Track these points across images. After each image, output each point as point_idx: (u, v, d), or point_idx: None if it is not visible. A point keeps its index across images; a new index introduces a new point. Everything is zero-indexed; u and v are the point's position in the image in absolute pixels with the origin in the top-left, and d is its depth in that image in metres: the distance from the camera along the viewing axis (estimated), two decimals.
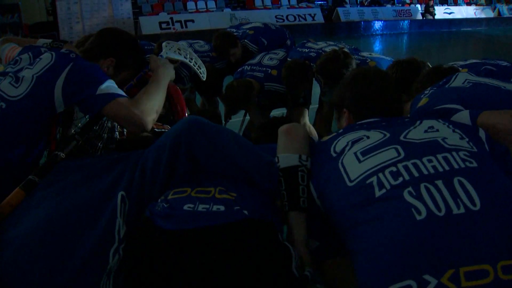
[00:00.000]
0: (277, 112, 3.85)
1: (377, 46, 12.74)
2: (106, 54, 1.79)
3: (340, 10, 16.52)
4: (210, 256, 1.12)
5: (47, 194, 1.37)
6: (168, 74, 1.84)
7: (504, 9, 19.59)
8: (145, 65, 1.88)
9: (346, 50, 2.91)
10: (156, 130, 1.98)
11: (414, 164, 1.13)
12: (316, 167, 1.37)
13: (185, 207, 1.25)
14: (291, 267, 1.15)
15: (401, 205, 1.06)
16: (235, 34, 3.78)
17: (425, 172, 1.11)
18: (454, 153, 1.14)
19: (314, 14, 16.16)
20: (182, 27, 14.15)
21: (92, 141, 1.77)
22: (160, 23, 13.91)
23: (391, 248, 1.01)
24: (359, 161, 1.22)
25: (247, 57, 3.72)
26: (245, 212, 1.24)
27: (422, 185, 1.07)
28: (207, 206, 1.25)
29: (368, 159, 1.21)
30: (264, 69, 3.29)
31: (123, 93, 1.66)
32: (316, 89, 3.45)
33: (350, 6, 17.48)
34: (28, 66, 1.63)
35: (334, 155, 1.31)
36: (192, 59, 2.08)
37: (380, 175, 1.15)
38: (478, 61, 2.46)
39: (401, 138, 1.24)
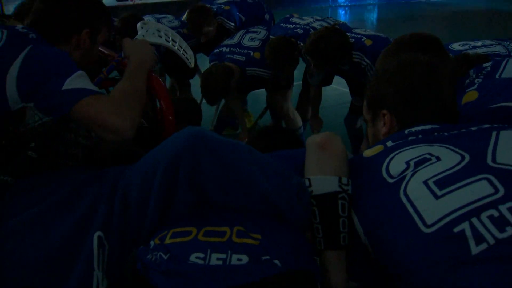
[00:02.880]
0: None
1: (344, 17, 12.39)
2: (79, 27, 1.39)
3: None
4: None
5: None
6: (147, 62, 1.44)
7: None
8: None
9: (338, 27, 2.55)
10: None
11: None
12: (361, 193, 1.04)
13: (193, 258, 0.91)
14: None
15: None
16: None
17: None
18: None
19: None
20: None
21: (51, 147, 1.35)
22: None
23: None
24: (436, 197, 0.89)
25: (222, 34, 3.30)
26: (277, 262, 0.91)
27: None
28: (223, 255, 0.92)
29: (450, 195, 0.88)
30: (246, 51, 2.89)
31: (97, 89, 1.27)
32: (298, 69, 3.09)
33: None
34: None
35: (390, 180, 0.99)
36: (175, 42, 1.67)
37: (475, 220, 0.82)
38: (495, 42, 2.13)
39: (490, 163, 0.92)
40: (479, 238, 0.80)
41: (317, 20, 2.93)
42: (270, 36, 2.94)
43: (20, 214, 1.02)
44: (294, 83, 3.33)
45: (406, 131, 1.11)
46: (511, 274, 0.75)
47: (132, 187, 1.05)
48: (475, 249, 0.80)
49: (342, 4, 14.62)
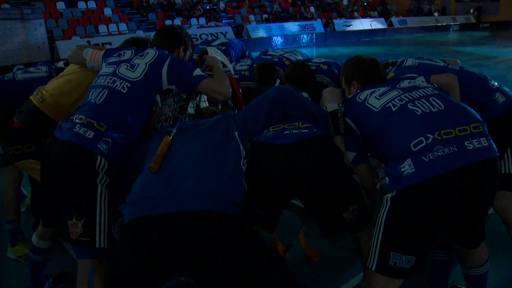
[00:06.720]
0: None
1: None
2: (179, 44, 2.59)
3: (249, 27, 17.85)
4: (309, 151, 2.01)
5: (187, 138, 2.04)
6: (221, 66, 2.57)
7: (395, 20, 22.37)
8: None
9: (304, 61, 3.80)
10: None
11: (409, 94, 2.05)
12: (349, 109, 2.23)
13: (285, 132, 2.07)
14: (344, 158, 2.11)
15: (407, 112, 1.96)
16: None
17: (416, 97, 2.03)
18: (427, 89, 2.08)
19: (226, 32, 17.29)
20: None
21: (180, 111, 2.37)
22: None
23: (408, 128, 1.90)
24: (379, 100, 2.12)
25: None
26: (318, 132, 2.08)
27: (416, 101, 1.99)
28: (298, 131, 2.08)
29: (383, 97, 2.12)
30: (238, 72, 4.20)
31: (208, 76, 2.35)
32: None
33: (256, 23, 18.87)
34: (138, 57, 2.29)
35: (360, 101, 2.19)
36: (224, 60, 3.00)
37: (393, 101, 2.05)
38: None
39: (397, 87, 2.17)
40: (394, 106, 1.99)
41: (286, 52, 4.29)
42: (254, 65, 4.20)
43: (194, 129, 2.10)
44: None
45: (366, 87, 2.27)
46: (406, 112, 1.94)
47: (248, 112, 2.16)
48: (393, 109, 1.98)
49: (283, 47, 16.37)
